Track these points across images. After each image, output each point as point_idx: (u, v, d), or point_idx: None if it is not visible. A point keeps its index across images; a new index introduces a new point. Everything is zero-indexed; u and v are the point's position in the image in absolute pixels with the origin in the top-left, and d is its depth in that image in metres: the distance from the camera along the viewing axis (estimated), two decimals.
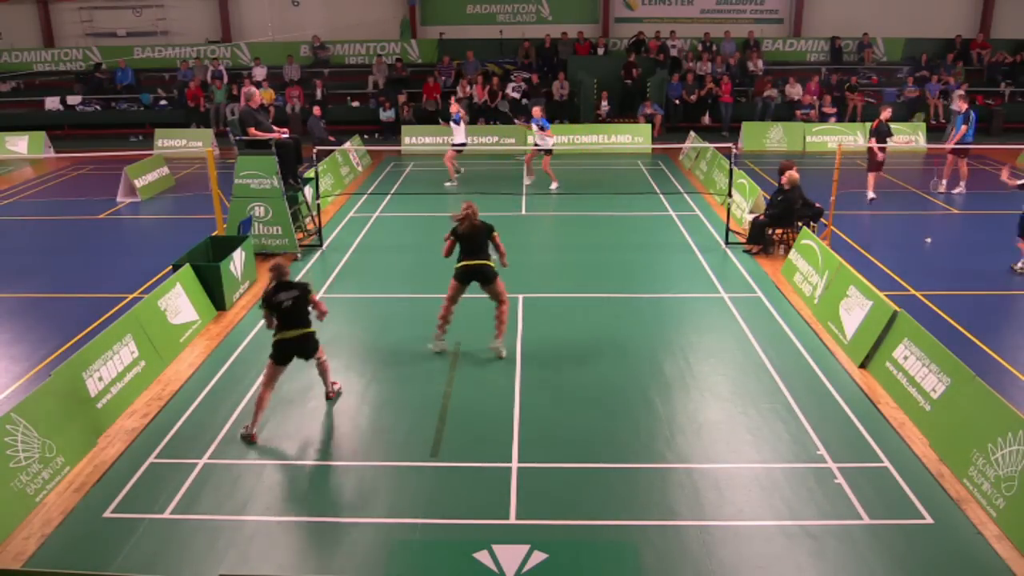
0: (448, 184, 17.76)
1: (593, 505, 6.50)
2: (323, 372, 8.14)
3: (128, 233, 15.36)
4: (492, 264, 8.94)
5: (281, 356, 7.59)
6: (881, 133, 16.29)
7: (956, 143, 16.66)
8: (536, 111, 17.55)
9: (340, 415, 7.97)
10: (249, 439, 7.41)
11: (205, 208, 14.76)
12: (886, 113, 16.42)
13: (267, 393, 7.57)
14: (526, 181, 17.97)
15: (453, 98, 19.61)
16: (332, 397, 8.23)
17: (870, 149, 16.25)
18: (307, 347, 7.70)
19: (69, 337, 9.69)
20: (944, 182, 17.19)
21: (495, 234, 8.97)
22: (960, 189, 17.12)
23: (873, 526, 6.19)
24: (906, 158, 21.42)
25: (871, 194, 16.11)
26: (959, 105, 16.84)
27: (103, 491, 6.71)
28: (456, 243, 8.92)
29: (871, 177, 16.21)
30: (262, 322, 10.10)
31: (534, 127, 17.53)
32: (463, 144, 17.94)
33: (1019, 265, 11.86)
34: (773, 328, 9.92)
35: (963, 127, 16.44)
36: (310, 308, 7.68)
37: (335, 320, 10.37)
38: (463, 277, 8.94)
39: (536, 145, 17.64)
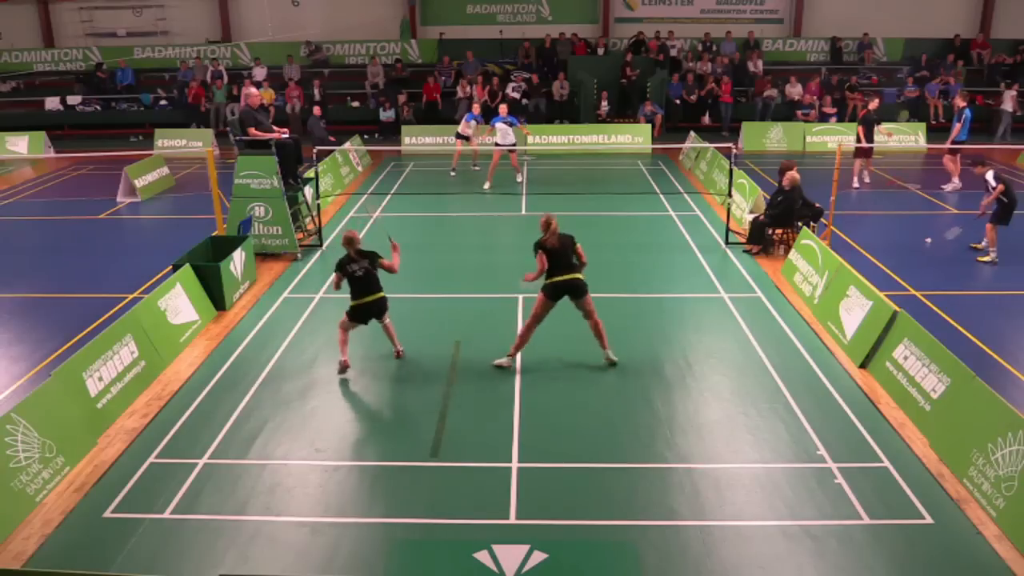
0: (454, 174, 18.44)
1: (593, 505, 6.50)
2: (389, 334, 8.98)
3: (128, 233, 15.36)
4: (583, 277, 8.56)
5: (357, 316, 8.65)
6: (868, 122, 16.90)
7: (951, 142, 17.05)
8: (503, 109, 18.12)
9: (340, 415, 7.97)
10: (343, 366, 8.55)
11: (205, 208, 14.76)
12: (874, 103, 17.15)
13: (344, 335, 8.66)
14: (486, 185, 17.59)
15: (476, 105, 20.14)
16: (400, 357, 9.01)
17: (857, 136, 17.09)
18: (379, 309, 8.70)
19: (69, 337, 9.69)
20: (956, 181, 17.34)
21: (578, 245, 8.65)
22: (953, 186, 17.33)
23: (873, 526, 6.19)
24: (906, 158, 21.42)
25: (856, 182, 16.43)
26: (958, 103, 17.02)
27: (103, 491, 6.71)
28: (547, 259, 8.44)
29: (857, 164, 16.84)
30: (262, 323, 10.18)
31: (498, 125, 17.87)
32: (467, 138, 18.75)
33: (988, 256, 12.19)
34: (773, 328, 9.92)
35: (957, 125, 16.74)
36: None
37: (335, 320, 10.36)
38: (555, 294, 8.51)
39: (498, 144, 17.82)
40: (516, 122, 18.08)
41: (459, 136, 19.09)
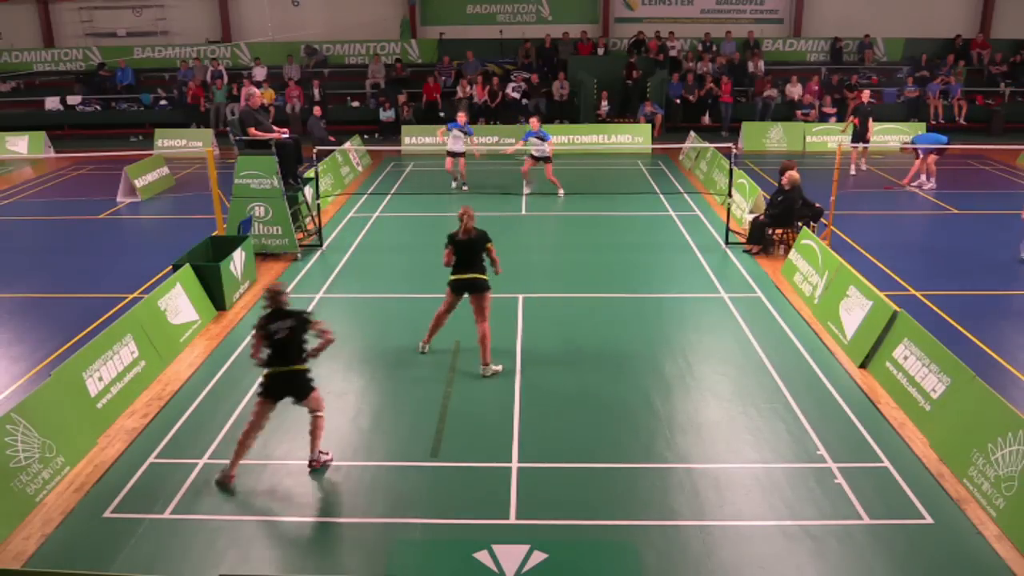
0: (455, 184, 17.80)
1: (593, 505, 6.50)
2: (314, 432, 6.93)
3: (128, 233, 15.37)
4: (486, 278, 8.66)
5: (271, 391, 6.75)
6: (862, 113, 17.71)
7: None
8: (534, 123, 16.96)
9: (340, 415, 7.96)
10: (227, 482, 6.66)
11: (205, 208, 14.76)
12: (865, 94, 18.08)
13: (252, 434, 6.76)
14: (526, 190, 17.28)
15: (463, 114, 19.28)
16: (315, 467, 6.94)
17: (853, 128, 18.11)
18: (299, 386, 6.80)
19: (69, 337, 9.69)
20: (926, 179, 17.53)
21: (489, 245, 8.63)
22: (930, 184, 17.44)
23: (873, 526, 6.19)
24: (906, 158, 21.39)
25: (853, 169, 16.76)
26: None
27: (103, 491, 6.71)
28: (455, 252, 8.62)
29: (855, 152, 17.59)
30: None
31: (530, 140, 16.80)
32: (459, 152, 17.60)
33: None
34: (773, 328, 9.92)
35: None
36: (306, 339, 6.81)
37: (335, 320, 10.37)
38: (455, 288, 8.73)
39: (532, 156, 16.94)
40: (470, 132, 17.39)
41: (452, 153, 17.61)
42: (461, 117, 17.77)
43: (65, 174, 20.56)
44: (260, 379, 6.81)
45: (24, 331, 10.15)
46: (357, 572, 5.79)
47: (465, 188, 17.62)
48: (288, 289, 11.08)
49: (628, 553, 5.92)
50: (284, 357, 6.71)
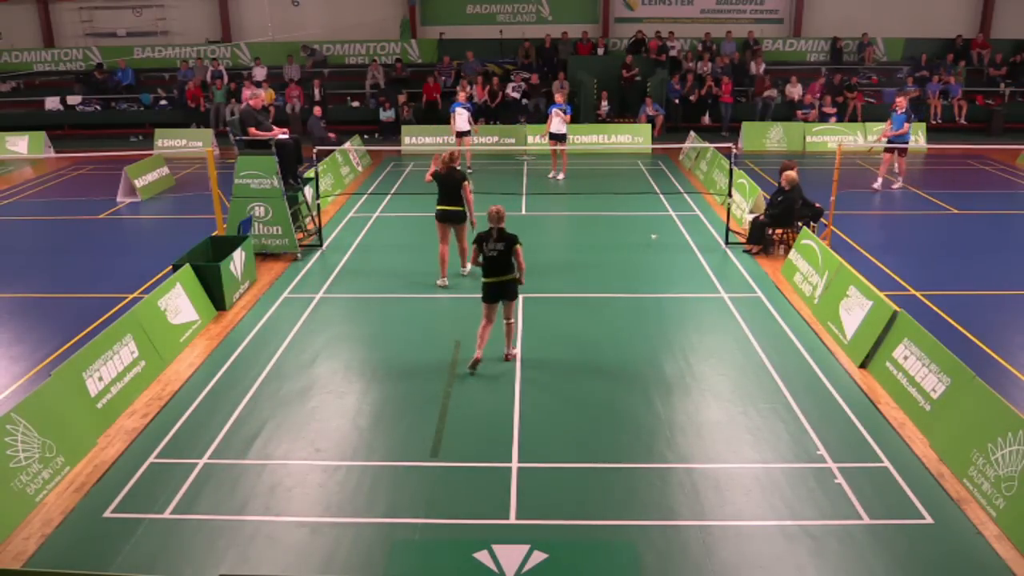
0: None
1: (593, 505, 6.50)
2: (508, 333, 8.89)
3: (128, 233, 15.36)
4: (462, 209, 11.00)
5: (487, 296, 8.62)
6: (896, 119, 16.88)
7: (891, 141, 17.11)
8: (559, 97, 18.63)
9: (340, 415, 7.96)
10: (475, 365, 8.59)
11: (205, 208, 14.77)
12: (903, 100, 17.12)
13: (487, 327, 8.71)
14: (560, 176, 18.50)
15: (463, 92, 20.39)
16: (506, 359, 8.90)
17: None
18: (507, 292, 8.62)
19: (69, 337, 9.69)
20: (881, 180, 17.55)
21: (466, 183, 10.91)
22: (899, 184, 17.51)
23: (873, 526, 6.19)
24: (910, 159, 21.38)
25: (893, 179, 16.79)
26: (900, 104, 17.04)
27: (103, 491, 6.71)
28: (438, 185, 11.00)
29: (887, 158, 17.27)
30: (262, 323, 10.18)
31: (556, 113, 18.30)
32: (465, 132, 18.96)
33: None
34: (773, 328, 9.92)
35: (905, 125, 16.81)
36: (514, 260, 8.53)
37: (335, 320, 10.39)
38: (440, 217, 11.13)
39: (552, 135, 18.51)
40: (471, 109, 18.96)
41: (460, 134, 19.01)
42: (462, 96, 19.00)
43: (65, 174, 20.55)
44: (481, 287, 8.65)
45: (24, 331, 10.15)
46: (357, 572, 5.79)
47: (469, 170, 18.42)
48: (288, 290, 11.12)
49: (628, 553, 5.92)
50: (495, 270, 8.54)
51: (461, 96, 19.23)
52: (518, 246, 8.52)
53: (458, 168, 11.08)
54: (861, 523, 6.23)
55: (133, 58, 26.84)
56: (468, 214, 11.10)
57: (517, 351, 9.08)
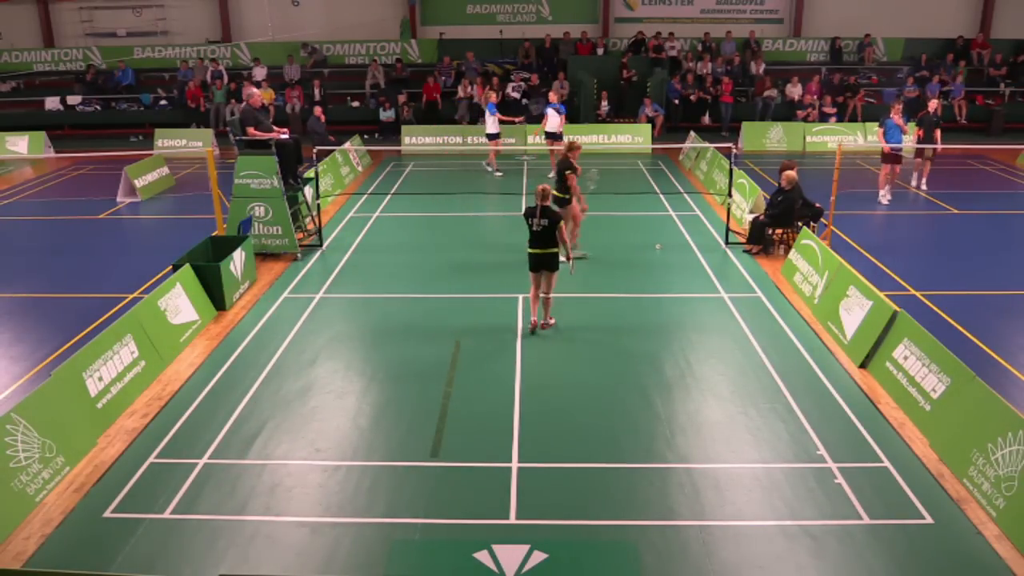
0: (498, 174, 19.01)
1: (593, 505, 6.50)
2: (545, 304, 9.55)
3: (128, 233, 15.36)
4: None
5: (532, 266, 9.36)
6: (928, 124, 16.39)
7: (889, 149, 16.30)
8: (552, 96, 18.93)
9: (340, 415, 7.96)
10: (533, 327, 9.50)
11: (205, 208, 14.77)
12: (933, 104, 16.74)
13: (536, 294, 9.52)
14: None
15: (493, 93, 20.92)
16: (543, 328, 9.56)
17: (918, 138, 16.73)
18: (549, 263, 9.32)
19: (69, 337, 9.69)
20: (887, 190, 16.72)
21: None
22: (923, 189, 17.24)
23: (873, 526, 6.19)
24: (906, 158, 21.39)
25: (922, 185, 17.00)
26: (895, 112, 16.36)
27: (103, 491, 6.71)
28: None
29: (917, 163, 17.22)
30: (262, 323, 10.18)
31: (551, 112, 18.54)
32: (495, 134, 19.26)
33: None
34: (773, 328, 9.92)
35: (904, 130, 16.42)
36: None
37: (335, 320, 10.39)
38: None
39: (547, 134, 18.76)
40: (493, 111, 18.99)
41: (491, 136, 19.18)
42: (492, 97, 19.48)
43: (65, 174, 20.55)
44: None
45: (24, 331, 10.15)
46: (357, 572, 5.79)
47: (499, 174, 18.78)
48: (288, 290, 11.12)
49: (628, 553, 5.92)
50: (539, 243, 9.24)
51: (492, 97, 19.60)
52: (562, 223, 9.32)
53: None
54: (861, 523, 6.23)
55: (133, 58, 26.83)
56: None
57: (553, 321, 9.79)
